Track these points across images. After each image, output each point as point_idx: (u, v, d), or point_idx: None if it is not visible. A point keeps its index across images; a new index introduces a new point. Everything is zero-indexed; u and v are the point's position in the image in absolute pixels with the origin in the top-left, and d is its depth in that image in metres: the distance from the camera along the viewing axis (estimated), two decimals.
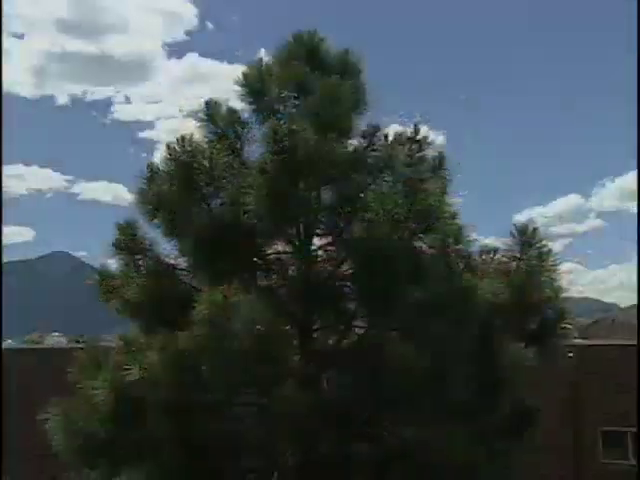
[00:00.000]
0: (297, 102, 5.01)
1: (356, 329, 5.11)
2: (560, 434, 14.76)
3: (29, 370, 16.70)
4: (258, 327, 4.07)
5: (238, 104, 5.34)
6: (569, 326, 5.65)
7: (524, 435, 5.31)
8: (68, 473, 4.94)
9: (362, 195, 4.73)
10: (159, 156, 5.08)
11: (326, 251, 5.08)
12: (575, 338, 15.70)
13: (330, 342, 5.23)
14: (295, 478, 4.89)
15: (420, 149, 5.10)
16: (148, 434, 4.50)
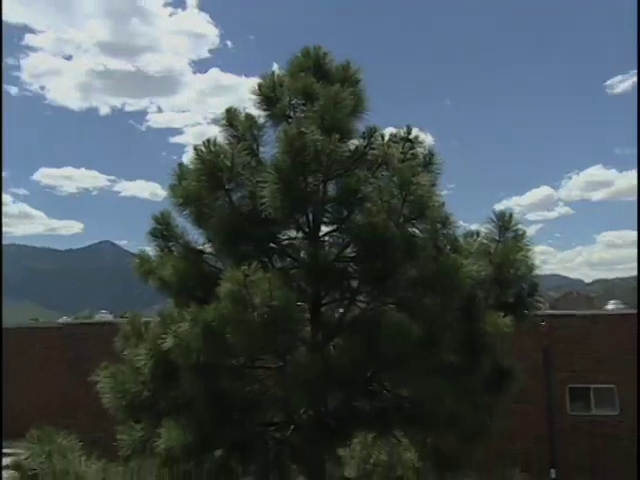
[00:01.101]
0: (305, 108, 4.98)
1: (359, 303, 5.08)
2: (534, 391, 14.78)
3: (83, 340, 16.90)
4: (274, 302, 4.07)
5: (254, 111, 5.31)
6: (540, 298, 5.64)
7: (503, 391, 5.29)
8: (117, 427, 4.98)
9: (362, 188, 4.71)
10: (187, 157, 5.10)
11: (332, 237, 5.05)
12: (546, 309, 15.75)
13: (336, 315, 5.21)
14: (308, 430, 4.91)
15: (412, 147, 5.06)
16: (182, 392, 4.56)
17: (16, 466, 4.38)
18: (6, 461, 4.92)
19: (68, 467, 4.30)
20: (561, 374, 15.62)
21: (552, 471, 14.84)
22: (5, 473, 4.85)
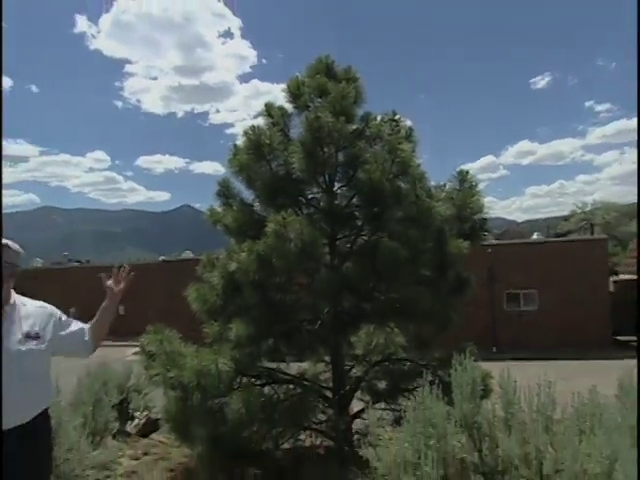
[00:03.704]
0: (320, 100, 4.79)
1: (362, 236, 5.01)
2: (482, 296, 14.85)
3: (176, 271, 17.20)
4: (304, 237, 4.03)
5: (285, 104, 5.12)
6: (487, 232, 5.53)
7: (462, 295, 5.25)
8: (202, 325, 5.01)
9: (363, 155, 4.58)
10: (238, 141, 4.98)
11: (342, 191, 4.95)
12: (492, 240, 15.69)
13: (347, 246, 5.14)
14: (330, 324, 4.92)
15: (397, 125, 4.87)
16: (244, 300, 4.58)
17: (141, 348, 4.51)
18: (135, 349, 5.05)
19: (173, 349, 4.40)
20: (501, 284, 15.68)
21: (493, 348, 15.05)
22: (134, 357, 4.99)
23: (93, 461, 4.38)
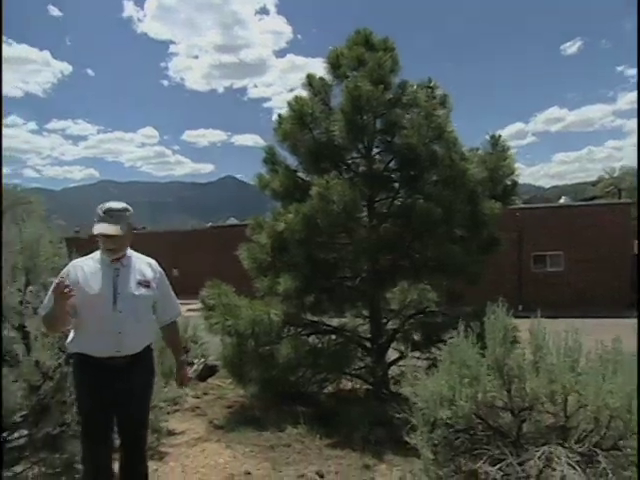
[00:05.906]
0: (358, 69, 4.67)
1: (399, 199, 4.95)
2: (511, 256, 14.55)
3: (223, 236, 17.55)
4: (345, 199, 4.05)
5: (325, 74, 5.02)
6: (517, 196, 5.37)
7: (492, 253, 5.15)
8: (253, 281, 5.07)
9: (400, 121, 4.48)
10: (277, 113, 4.97)
11: (381, 155, 4.87)
12: (521, 204, 15.21)
13: (384, 208, 5.11)
14: (368, 280, 4.94)
15: (432, 92, 4.72)
16: (291, 258, 4.67)
17: (201, 301, 4.73)
18: (190, 306, 5.24)
19: (229, 301, 4.58)
20: (529, 245, 15.29)
21: (520, 306, 14.82)
22: (190, 313, 5.18)
23: (165, 396, 4.73)
